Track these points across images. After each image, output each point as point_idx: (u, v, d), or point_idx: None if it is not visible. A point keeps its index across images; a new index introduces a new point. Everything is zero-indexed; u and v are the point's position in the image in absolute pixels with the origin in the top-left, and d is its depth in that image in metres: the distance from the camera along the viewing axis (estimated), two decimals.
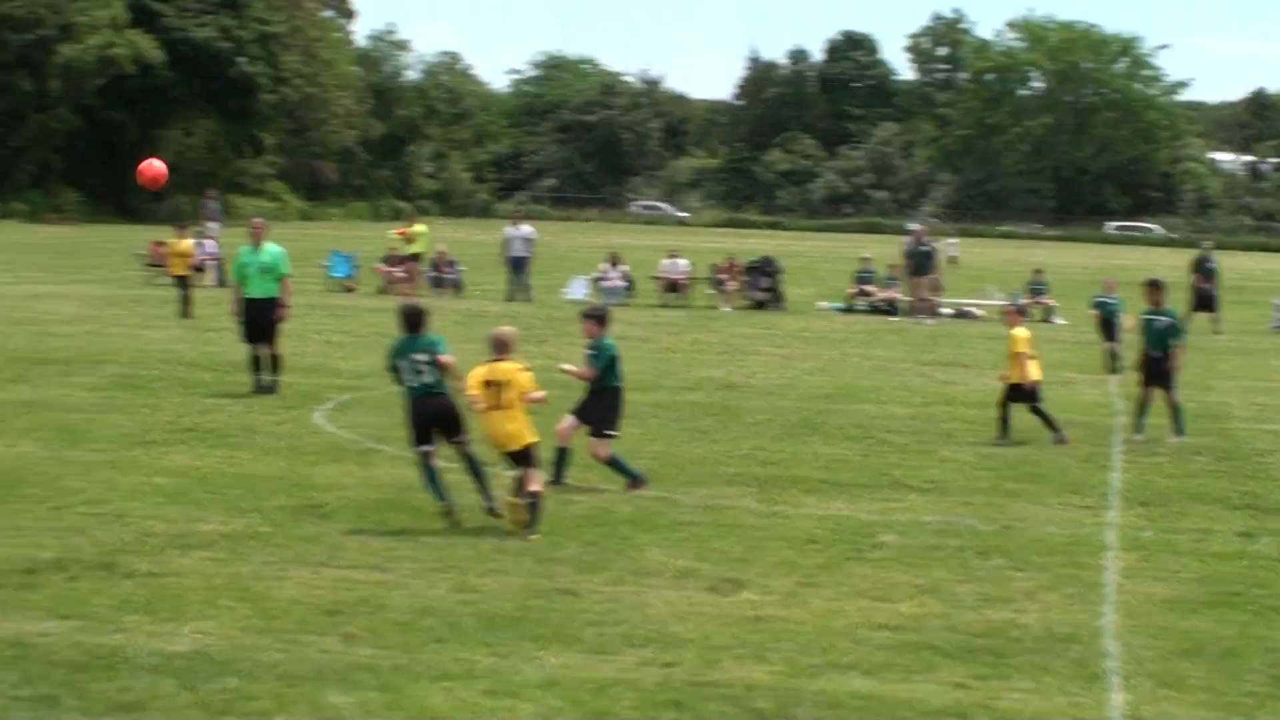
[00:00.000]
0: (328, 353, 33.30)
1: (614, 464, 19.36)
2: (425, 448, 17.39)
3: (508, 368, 17.49)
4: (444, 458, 17.63)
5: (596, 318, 19.80)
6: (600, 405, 19.45)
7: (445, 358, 17.44)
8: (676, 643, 13.04)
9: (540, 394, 17.58)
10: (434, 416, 17.31)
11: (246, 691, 11.51)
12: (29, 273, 55.56)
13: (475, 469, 17.36)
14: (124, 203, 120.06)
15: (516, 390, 17.35)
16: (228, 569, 14.88)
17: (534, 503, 16.86)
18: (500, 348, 17.62)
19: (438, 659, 12.42)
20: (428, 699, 11.53)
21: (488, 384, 17.31)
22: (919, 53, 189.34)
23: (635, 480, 19.38)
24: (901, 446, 23.72)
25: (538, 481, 17.14)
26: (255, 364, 27.14)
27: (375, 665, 12.19)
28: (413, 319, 17.71)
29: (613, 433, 19.51)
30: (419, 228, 54.37)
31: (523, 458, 17.27)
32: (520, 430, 17.33)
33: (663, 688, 11.94)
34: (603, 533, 16.90)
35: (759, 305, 51.16)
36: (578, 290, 53.20)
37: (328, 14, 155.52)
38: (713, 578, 15.17)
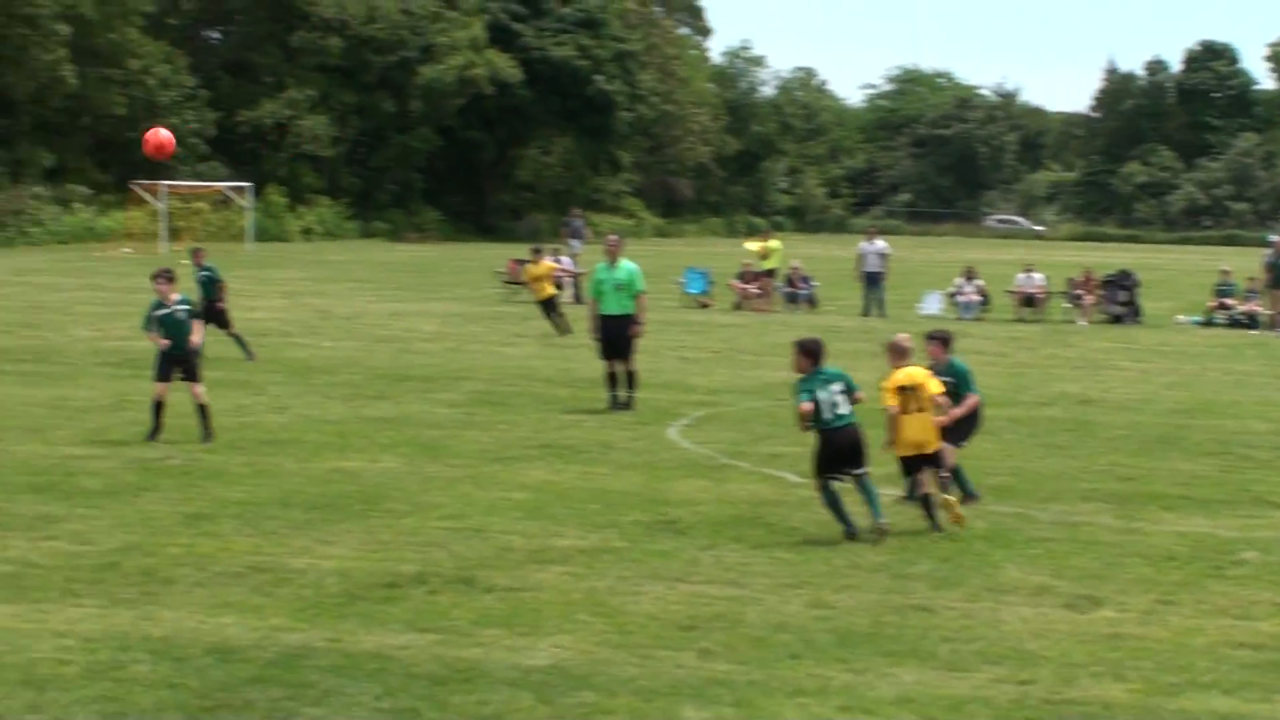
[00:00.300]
0: (683, 369, 33.49)
1: (954, 474, 19.11)
2: (832, 477, 17.39)
3: (920, 372, 17.93)
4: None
5: (941, 340, 19.58)
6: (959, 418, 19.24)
7: (861, 395, 17.51)
8: (1032, 660, 12.86)
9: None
10: (848, 448, 17.29)
11: (603, 706, 11.62)
12: (391, 291, 56.94)
13: (869, 493, 17.35)
14: (483, 221, 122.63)
15: (928, 394, 17.72)
16: (584, 584, 15.04)
17: (928, 499, 17.56)
18: (903, 354, 18.02)
19: (792, 674, 12.41)
20: (782, 714, 11.52)
21: (902, 389, 17.51)
22: None
23: (970, 496, 19.13)
24: (1262, 462, 23.11)
25: (934, 484, 17.69)
26: (611, 380, 27.39)
27: (730, 680, 12.21)
28: (817, 352, 17.64)
29: (963, 443, 19.31)
30: (773, 243, 54.58)
31: (932, 460, 17.79)
32: (934, 433, 17.79)
33: (1018, 705, 11.79)
34: (957, 549, 16.74)
35: (1116, 319, 50.23)
36: (932, 305, 52.81)
37: (684, 31, 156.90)
38: (1069, 595, 14.93)
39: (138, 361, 31.91)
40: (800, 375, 17.61)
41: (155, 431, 22.76)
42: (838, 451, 17.28)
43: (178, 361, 23.05)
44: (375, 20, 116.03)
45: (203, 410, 22.92)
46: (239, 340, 33.48)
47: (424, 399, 27.85)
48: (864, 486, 17.33)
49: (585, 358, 31.80)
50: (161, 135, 19.27)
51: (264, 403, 26.86)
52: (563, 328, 40.61)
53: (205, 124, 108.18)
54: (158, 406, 22.83)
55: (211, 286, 34.14)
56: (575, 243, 60.89)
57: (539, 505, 18.69)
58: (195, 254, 35.98)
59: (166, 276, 23.40)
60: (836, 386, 17.33)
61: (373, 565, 15.55)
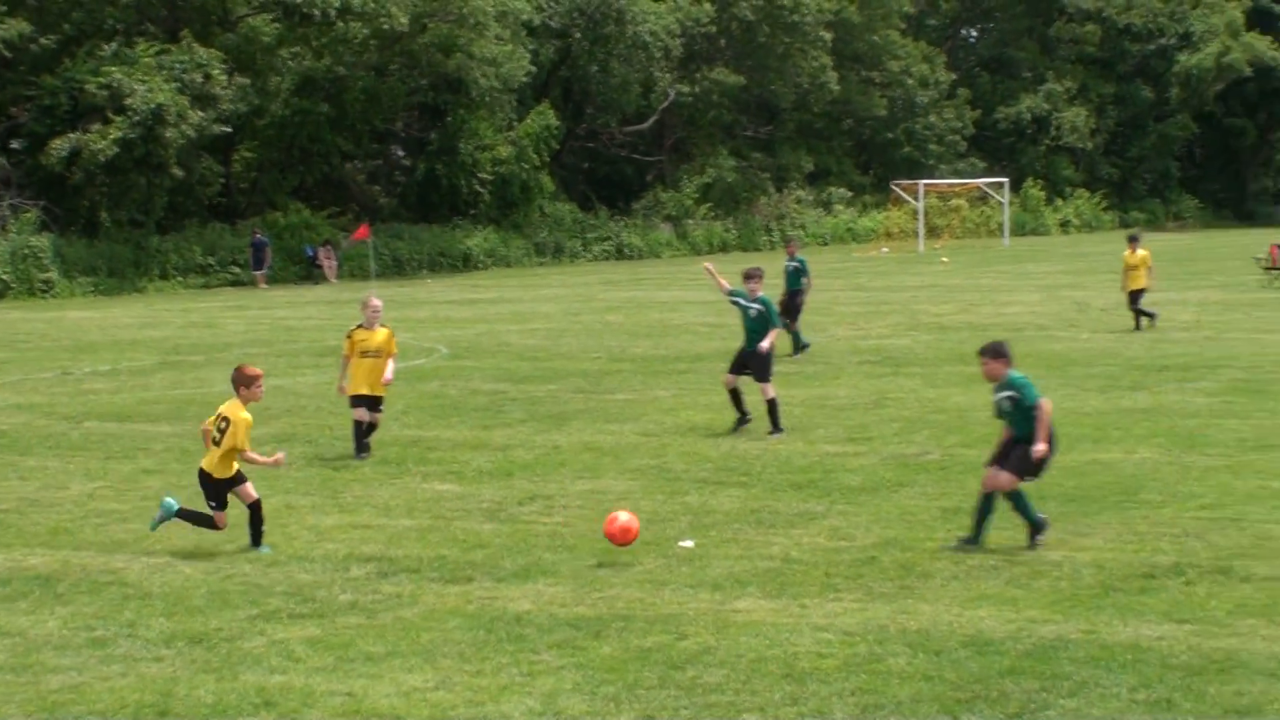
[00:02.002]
0: None
1: None
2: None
3: None
4: None
5: None
6: None
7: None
8: None
9: None
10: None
11: None
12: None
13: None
14: (1242, 207, 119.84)
15: None
16: None
17: None
18: None
19: None
20: None
21: None
22: None
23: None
24: None
25: None
26: None
27: None
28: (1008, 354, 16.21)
29: None
30: None
31: None
32: None
33: None
34: None
35: None
36: None
37: None
38: None
39: (897, 359, 32.61)
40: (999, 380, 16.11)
41: (739, 421, 24.09)
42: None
43: (748, 358, 24.07)
44: (1133, 8, 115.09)
45: (769, 405, 23.72)
46: (795, 335, 34.16)
47: (1180, 388, 27.42)
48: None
49: None
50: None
51: None
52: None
53: (964, 122, 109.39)
54: (730, 393, 24.23)
55: (796, 278, 35.61)
56: None
57: None
58: (789, 244, 38.26)
59: (758, 276, 24.54)
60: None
61: (1129, 556, 15.45)
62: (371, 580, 15.26)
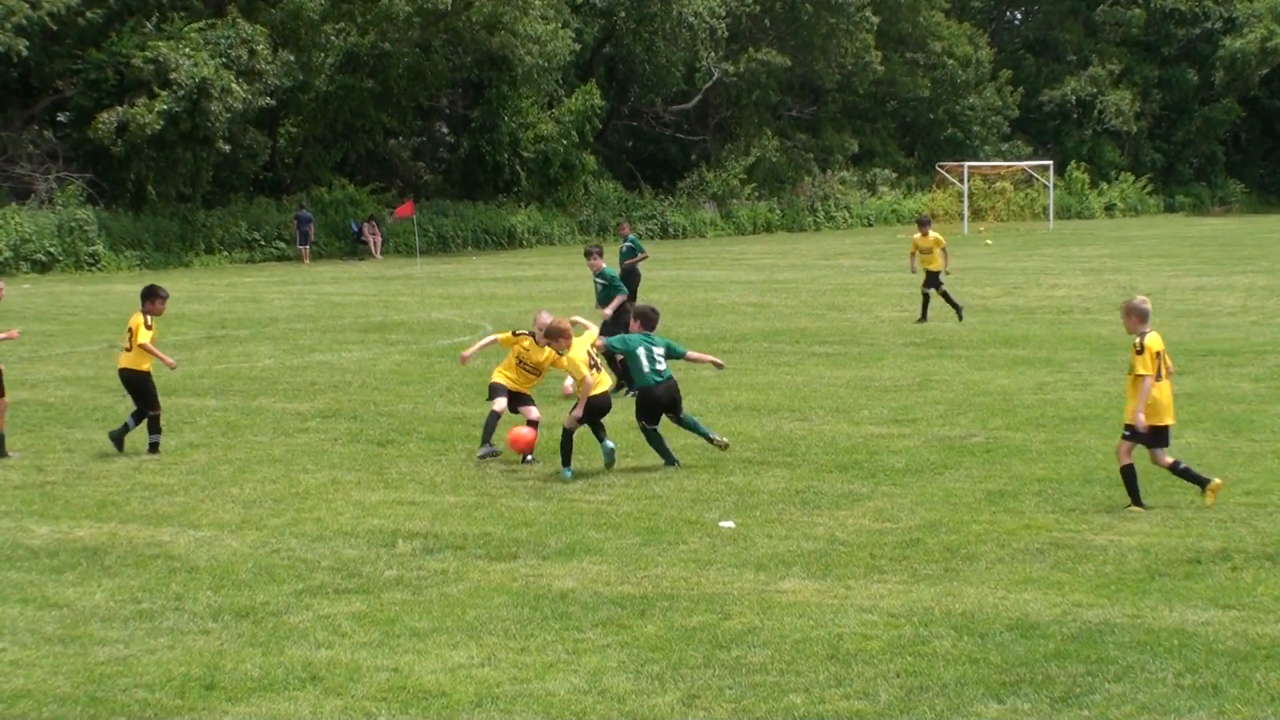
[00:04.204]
0: None
1: None
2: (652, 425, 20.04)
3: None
4: None
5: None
6: None
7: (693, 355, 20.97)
8: None
9: None
10: (667, 401, 19.94)
11: None
12: (1193, 265, 56.01)
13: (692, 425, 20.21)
14: None
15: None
16: None
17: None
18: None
19: None
20: None
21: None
22: None
23: None
24: None
25: None
26: None
27: None
28: (652, 318, 20.47)
29: None
30: None
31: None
32: None
33: None
34: None
35: None
36: None
37: None
38: None
39: (941, 341, 32.53)
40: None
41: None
42: (657, 403, 19.85)
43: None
44: None
45: None
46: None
47: (1226, 374, 27.29)
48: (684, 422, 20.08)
49: None
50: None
51: (1065, 380, 26.87)
52: None
53: (1006, 103, 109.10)
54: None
55: (632, 255, 37.20)
56: None
57: None
58: (621, 226, 41.59)
59: (597, 252, 29.18)
60: (659, 350, 19.94)
61: (1175, 541, 15.41)
62: (417, 556, 15.32)
